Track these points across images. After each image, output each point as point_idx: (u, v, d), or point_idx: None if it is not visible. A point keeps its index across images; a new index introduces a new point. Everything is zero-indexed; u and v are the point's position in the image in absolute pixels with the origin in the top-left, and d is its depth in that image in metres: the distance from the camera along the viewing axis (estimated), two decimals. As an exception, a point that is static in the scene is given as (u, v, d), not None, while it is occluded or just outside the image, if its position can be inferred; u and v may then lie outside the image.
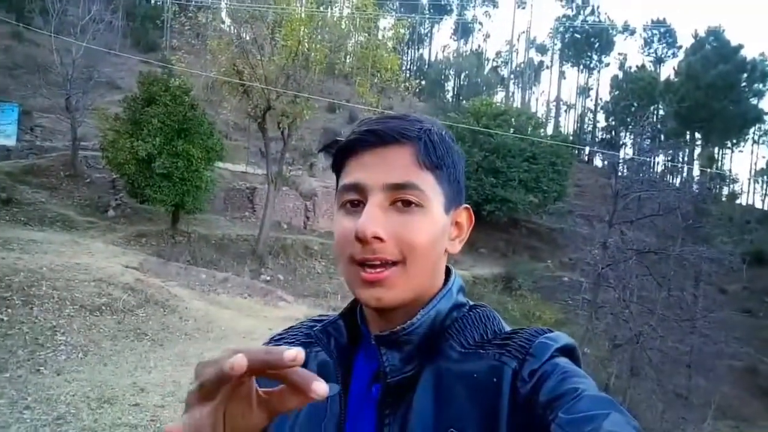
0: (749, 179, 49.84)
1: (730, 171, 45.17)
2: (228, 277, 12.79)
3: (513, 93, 56.58)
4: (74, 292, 7.88)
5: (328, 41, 16.45)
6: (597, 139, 50.52)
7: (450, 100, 48.62)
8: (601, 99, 54.87)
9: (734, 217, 32.39)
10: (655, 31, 52.95)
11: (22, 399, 5.01)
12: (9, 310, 6.92)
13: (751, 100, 40.78)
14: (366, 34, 17.30)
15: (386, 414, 0.66)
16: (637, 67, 51.49)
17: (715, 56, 38.75)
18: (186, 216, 15.57)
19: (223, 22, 19.74)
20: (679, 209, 16.15)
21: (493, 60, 60.89)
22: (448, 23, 64.10)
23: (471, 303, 0.74)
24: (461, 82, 52.80)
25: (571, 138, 40.20)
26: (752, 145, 47.91)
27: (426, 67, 58.75)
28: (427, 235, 0.65)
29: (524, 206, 25.78)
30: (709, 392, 15.97)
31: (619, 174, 17.48)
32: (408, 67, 53.72)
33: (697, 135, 42.48)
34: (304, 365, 0.44)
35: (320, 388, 0.43)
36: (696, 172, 36.48)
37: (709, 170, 35.82)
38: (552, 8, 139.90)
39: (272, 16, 15.94)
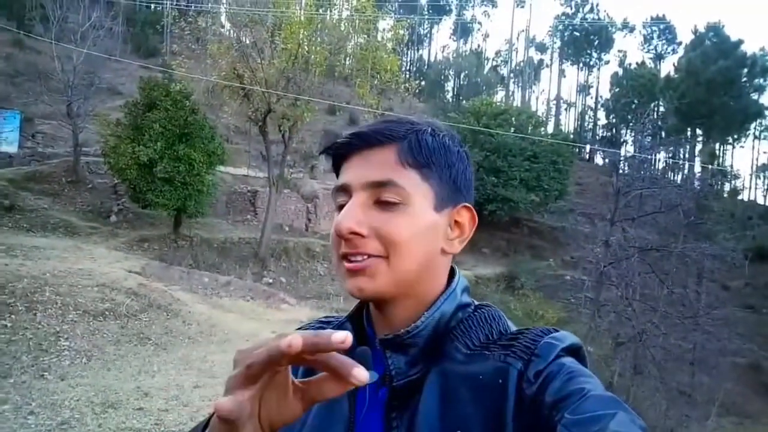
0: (751, 175, 49.66)
1: (731, 167, 45.13)
2: (230, 281, 12.79)
3: (513, 92, 56.64)
4: (77, 298, 7.90)
5: (327, 44, 16.45)
6: (598, 137, 50.54)
7: (450, 100, 48.55)
8: (601, 97, 54.95)
9: (736, 213, 32.26)
10: (654, 28, 52.96)
11: (27, 404, 5.02)
12: (13, 316, 6.94)
13: (751, 95, 40.58)
14: (365, 36, 17.27)
15: (393, 417, 0.66)
16: (637, 64, 51.35)
17: (715, 52, 38.64)
18: (188, 220, 15.56)
19: (223, 27, 19.72)
20: (681, 206, 16.12)
21: (493, 59, 60.88)
22: (447, 23, 64.27)
23: (476, 303, 0.74)
24: (461, 82, 52.73)
25: (571, 136, 40.22)
26: (753, 140, 47.77)
27: (426, 67, 58.71)
28: (408, 232, 0.65)
29: (526, 205, 25.75)
30: (712, 389, 15.90)
31: (620, 171, 17.49)
32: (408, 68, 53.69)
33: (698, 131, 42.37)
34: None
35: (360, 374, 0.43)
36: (697, 168, 36.39)
37: (710, 166, 35.86)
38: (551, 6, 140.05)
39: (272, 20, 15.95)
